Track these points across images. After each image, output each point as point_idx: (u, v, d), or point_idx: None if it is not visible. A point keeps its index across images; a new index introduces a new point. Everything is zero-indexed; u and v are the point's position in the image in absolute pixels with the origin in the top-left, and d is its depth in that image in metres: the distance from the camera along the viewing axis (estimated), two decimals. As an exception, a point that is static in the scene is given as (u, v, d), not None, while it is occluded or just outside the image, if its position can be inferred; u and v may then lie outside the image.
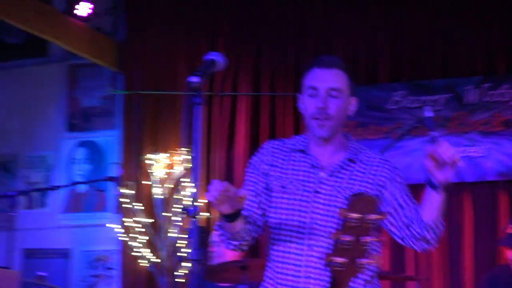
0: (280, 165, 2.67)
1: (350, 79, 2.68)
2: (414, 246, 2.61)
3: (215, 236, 2.70)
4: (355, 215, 2.07)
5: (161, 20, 6.88)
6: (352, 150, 2.67)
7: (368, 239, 2.06)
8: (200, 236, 2.32)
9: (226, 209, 2.44)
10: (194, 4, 6.79)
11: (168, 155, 6.44)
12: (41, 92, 7.33)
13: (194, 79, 2.36)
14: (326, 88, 2.61)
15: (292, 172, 2.65)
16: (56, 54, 7.33)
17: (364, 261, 2.08)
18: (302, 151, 2.68)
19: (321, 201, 2.59)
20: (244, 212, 2.58)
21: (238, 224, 2.55)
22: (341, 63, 2.69)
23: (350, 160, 2.64)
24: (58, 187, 5.40)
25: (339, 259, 2.08)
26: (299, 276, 2.57)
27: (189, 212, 2.34)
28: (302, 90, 2.68)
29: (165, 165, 6.41)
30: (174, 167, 6.38)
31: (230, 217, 2.50)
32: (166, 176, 6.38)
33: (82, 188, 6.99)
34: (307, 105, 2.64)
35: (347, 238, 2.08)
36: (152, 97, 6.80)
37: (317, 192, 2.60)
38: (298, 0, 6.54)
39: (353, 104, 2.69)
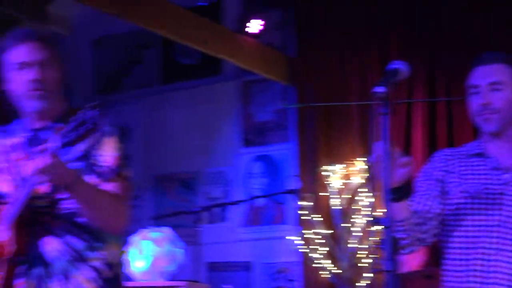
0: (458, 171, 2.62)
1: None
2: None
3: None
4: None
5: (331, 32, 6.89)
6: None
7: None
8: (393, 246, 2.29)
9: (391, 176, 2.38)
10: (364, 15, 6.74)
11: (344, 165, 6.43)
12: (217, 109, 7.56)
13: (380, 89, 2.37)
14: (486, 83, 2.58)
15: (472, 177, 2.59)
16: (229, 72, 7.53)
17: None
18: (479, 155, 2.62)
19: (509, 202, 2.52)
20: (413, 207, 2.56)
21: (404, 210, 2.52)
22: (503, 57, 2.64)
23: None
24: (238, 201, 5.52)
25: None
26: (487, 284, 2.49)
27: (380, 222, 2.32)
28: (466, 92, 2.66)
29: (341, 176, 6.40)
30: (350, 178, 6.37)
31: (397, 192, 2.45)
32: (343, 186, 6.37)
33: (261, 201, 7.11)
34: (471, 104, 2.62)
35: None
36: (324, 109, 6.82)
37: (502, 194, 2.52)
38: (471, 3, 6.33)
39: None
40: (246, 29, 6.80)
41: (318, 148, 6.80)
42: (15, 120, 2.86)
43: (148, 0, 5.78)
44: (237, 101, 7.47)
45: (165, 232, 4.93)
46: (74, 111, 2.43)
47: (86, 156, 2.66)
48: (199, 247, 4.94)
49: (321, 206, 6.54)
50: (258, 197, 6.79)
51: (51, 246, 2.68)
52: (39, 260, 2.68)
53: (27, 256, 2.67)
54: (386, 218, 2.30)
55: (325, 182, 6.48)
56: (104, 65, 8.32)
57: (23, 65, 2.68)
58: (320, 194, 6.55)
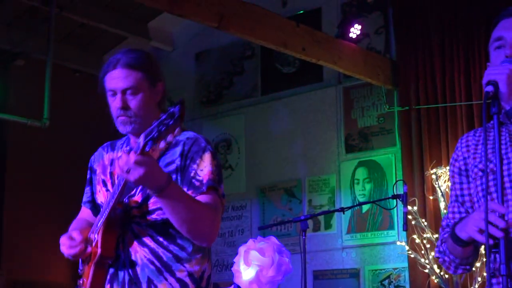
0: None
1: None
2: None
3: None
4: None
5: (433, 33, 6.76)
6: None
7: None
8: (508, 249, 2.19)
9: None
10: (466, 12, 6.59)
11: (452, 168, 6.28)
12: (318, 116, 7.53)
13: (489, 88, 2.23)
14: None
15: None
16: (330, 78, 7.51)
17: None
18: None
19: None
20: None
21: (471, 248, 2.36)
22: None
23: None
24: (343, 208, 5.47)
25: None
26: None
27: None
28: (489, 45, 2.39)
29: (449, 179, 6.26)
30: (458, 180, 6.20)
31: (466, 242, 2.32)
32: (451, 189, 6.22)
33: (366, 207, 7.04)
34: (494, 59, 2.34)
35: None
36: (429, 111, 6.70)
37: None
38: None
39: None
40: (346, 35, 6.76)
41: (424, 151, 6.68)
42: (124, 136, 2.95)
43: (247, 11, 5.83)
44: (338, 107, 7.42)
45: (271, 242, 4.92)
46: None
47: (182, 170, 2.70)
48: (304, 256, 4.90)
49: (429, 210, 6.44)
50: (363, 203, 6.71)
51: (139, 254, 2.71)
52: (126, 266, 2.72)
53: (115, 260, 2.73)
54: (501, 220, 2.19)
55: (433, 185, 6.36)
56: (206, 78, 8.45)
57: (112, 92, 2.76)
58: (427, 197, 6.46)
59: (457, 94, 6.56)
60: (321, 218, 7.29)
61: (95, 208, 2.93)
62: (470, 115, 6.45)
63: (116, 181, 2.69)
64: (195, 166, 2.69)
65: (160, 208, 2.65)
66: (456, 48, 6.63)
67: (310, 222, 7.18)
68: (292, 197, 7.56)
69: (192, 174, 2.68)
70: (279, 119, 7.79)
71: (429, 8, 6.82)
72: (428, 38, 6.77)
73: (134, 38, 8.16)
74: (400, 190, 6.59)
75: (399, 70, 6.97)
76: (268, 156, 7.80)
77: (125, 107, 2.72)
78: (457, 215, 2.49)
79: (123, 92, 2.72)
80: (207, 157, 2.71)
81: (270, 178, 7.72)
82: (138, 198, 2.72)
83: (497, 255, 2.18)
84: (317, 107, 7.56)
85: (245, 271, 4.88)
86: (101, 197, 2.87)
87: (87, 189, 2.98)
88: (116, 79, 2.73)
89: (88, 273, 2.72)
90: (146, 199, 2.70)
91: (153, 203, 2.69)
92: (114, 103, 2.74)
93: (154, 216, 2.71)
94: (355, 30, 6.79)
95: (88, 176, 2.98)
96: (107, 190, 2.84)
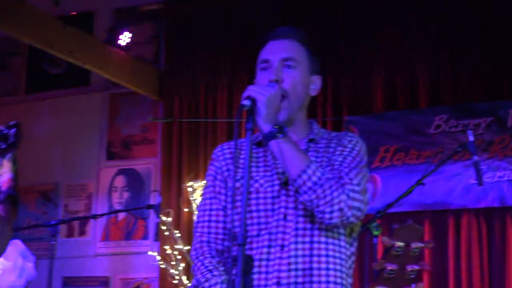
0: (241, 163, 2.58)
1: (309, 52, 2.43)
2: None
3: None
4: (399, 244, 2.03)
5: (201, 47, 6.90)
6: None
7: (414, 267, 2.03)
8: (246, 264, 2.23)
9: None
10: (234, 30, 6.80)
11: (208, 182, 6.42)
12: (82, 121, 7.41)
13: (246, 103, 2.27)
14: (279, 59, 2.37)
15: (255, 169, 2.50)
16: (97, 83, 7.41)
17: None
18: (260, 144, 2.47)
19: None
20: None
21: None
22: (299, 33, 2.45)
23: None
24: (98, 215, 5.42)
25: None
26: None
27: (238, 239, 2.24)
28: (257, 64, 2.44)
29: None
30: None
31: None
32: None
33: (122, 216, 7.01)
34: (260, 79, 2.39)
35: (391, 267, 2.04)
36: (191, 125, 6.82)
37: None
38: (343, 28, 6.48)
39: (316, 83, 2.43)
40: (116, 41, 6.72)
41: (183, 163, 6.78)
42: None
43: (14, 6, 5.61)
44: (104, 114, 7.35)
45: (15, 245, 4.75)
46: None
47: None
48: (54, 261, 4.78)
49: (183, 222, 6.53)
50: (117, 211, 6.68)
51: None
52: None
53: None
54: (240, 235, 2.23)
55: (189, 198, 6.46)
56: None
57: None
58: (183, 210, 6.55)
59: (219, 109, 6.73)
60: (76, 224, 7.16)
61: None
62: (231, 131, 6.64)
63: None
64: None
65: None
66: (222, 64, 6.81)
67: (63, 228, 7.06)
68: (48, 201, 7.36)
69: None
70: (41, 120, 7.55)
71: (200, 23, 6.96)
72: (196, 52, 6.91)
73: None
74: (155, 200, 6.67)
75: (166, 81, 7.03)
76: (25, 157, 7.49)
77: None
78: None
79: None
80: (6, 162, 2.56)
81: (26, 180, 7.42)
82: None
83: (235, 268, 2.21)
84: (82, 112, 7.43)
85: (-14, 275, 4.69)
86: None
87: None
88: None
89: None
90: None
91: None
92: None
93: None
94: (125, 38, 6.76)
95: None
96: None
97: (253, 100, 2.22)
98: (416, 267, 2.04)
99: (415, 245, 2.04)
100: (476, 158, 4.18)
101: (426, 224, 5.83)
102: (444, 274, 5.76)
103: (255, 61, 2.46)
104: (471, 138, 4.21)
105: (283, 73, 2.35)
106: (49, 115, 7.56)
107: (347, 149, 2.35)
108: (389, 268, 2.04)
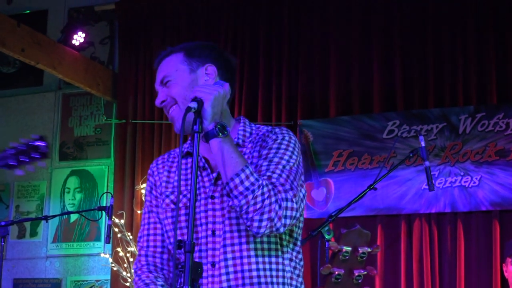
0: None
1: (187, 54, 2.46)
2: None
3: None
4: (346, 248, 2.04)
5: (153, 48, 6.87)
6: None
7: (361, 272, 2.04)
8: (194, 271, 2.21)
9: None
10: (187, 33, 6.79)
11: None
12: (34, 120, 7.31)
13: (193, 105, 2.25)
14: (159, 81, 2.43)
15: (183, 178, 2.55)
16: (50, 83, 7.33)
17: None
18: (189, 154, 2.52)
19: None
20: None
21: None
22: (180, 46, 2.49)
23: None
24: (50, 216, 5.36)
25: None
26: None
27: (184, 246, 2.22)
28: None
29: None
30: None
31: None
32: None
33: (74, 217, 6.94)
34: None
35: (338, 271, 2.05)
36: (146, 126, 6.79)
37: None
38: (291, 30, 6.53)
39: (209, 73, 2.42)
40: (69, 41, 6.66)
41: (137, 165, 6.74)
42: None
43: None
44: (56, 114, 7.27)
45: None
46: None
47: None
48: (4, 263, 4.70)
49: (135, 224, 6.49)
50: (69, 212, 6.61)
51: None
52: None
53: None
54: (188, 243, 2.21)
55: (142, 200, 6.43)
56: None
57: None
58: (135, 212, 6.51)
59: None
60: (28, 225, 7.07)
61: None
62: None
63: None
64: None
65: None
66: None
67: (14, 229, 6.96)
68: (-2, 201, 7.26)
69: None
70: (-7, 119, 7.45)
71: (154, 25, 6.93)
72: (150, 54, 6.87)
73: None
74: (108, 202, 6.61)
75: (120, 82, 6.99)
76: (-24, 157, 7.40)
77: None
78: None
79: None
80: None
81: (-24, 180, 7.35)
82: None
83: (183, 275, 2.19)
84: (35, 111, 7.34)
85: None
86: None
87: None
88: None
89: None
90: None
91: None
92: None
93: None
94: (78, 38, 6.71)
95: None
96: None
97: (200, 102, 2.21)
98: (363, 272, 2.06)
99: (362, 249, 2.05)
100: (427, 163, 4.24)
101: (378, 229, 5.88)
102: (396, 278, 5.82)
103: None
104: (423, 144, 4.27)
105: (164, 92, 2.40)
106: (1, 115, 7.44)
107: (273, 151, 2.32)
108: (336, 272, 2.04)
